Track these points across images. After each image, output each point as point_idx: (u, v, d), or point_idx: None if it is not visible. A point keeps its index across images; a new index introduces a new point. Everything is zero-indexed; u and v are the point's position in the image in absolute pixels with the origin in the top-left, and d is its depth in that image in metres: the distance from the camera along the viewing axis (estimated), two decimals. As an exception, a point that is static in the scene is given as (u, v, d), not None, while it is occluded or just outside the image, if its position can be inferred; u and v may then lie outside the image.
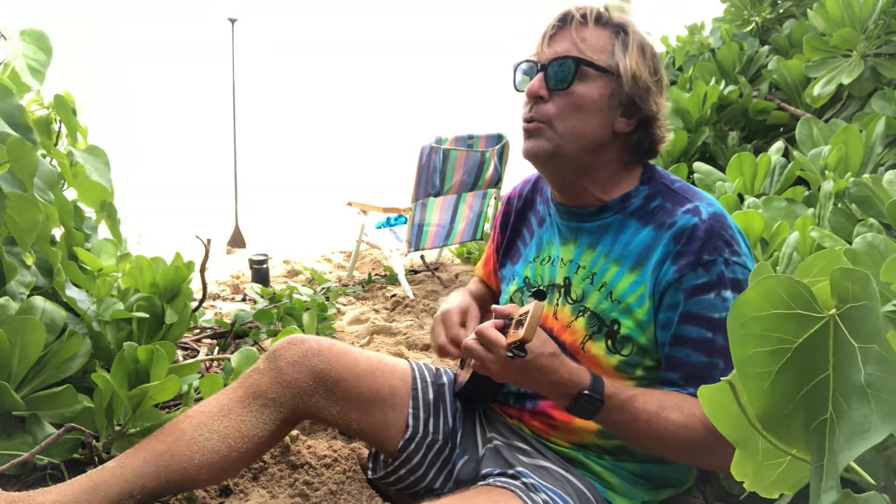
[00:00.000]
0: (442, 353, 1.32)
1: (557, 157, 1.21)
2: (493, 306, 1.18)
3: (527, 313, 1.03)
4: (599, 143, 1.21)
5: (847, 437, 0.60)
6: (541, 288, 1.30)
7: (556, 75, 1.19)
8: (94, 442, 1.44)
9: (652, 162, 1.30)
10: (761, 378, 0.66)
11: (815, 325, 0.64)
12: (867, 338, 0.60)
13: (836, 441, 0.60)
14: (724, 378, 0.69)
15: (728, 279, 1.11)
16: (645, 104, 1.20)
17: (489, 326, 1.10)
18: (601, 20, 1.22)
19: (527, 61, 1.25)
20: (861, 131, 2.01)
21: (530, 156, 1.23)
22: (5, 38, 1.67)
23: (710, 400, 0.77)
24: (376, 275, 4.00)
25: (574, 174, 1.24)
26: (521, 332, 1.02)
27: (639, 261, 1.19)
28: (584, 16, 1.20)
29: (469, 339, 1.13)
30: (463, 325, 1.35)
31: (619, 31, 1.21)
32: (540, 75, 1.21)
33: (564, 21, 1.22)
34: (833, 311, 0.63)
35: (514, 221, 1.47)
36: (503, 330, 1.10)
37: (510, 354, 1.03)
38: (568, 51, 1.19)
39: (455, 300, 1.42)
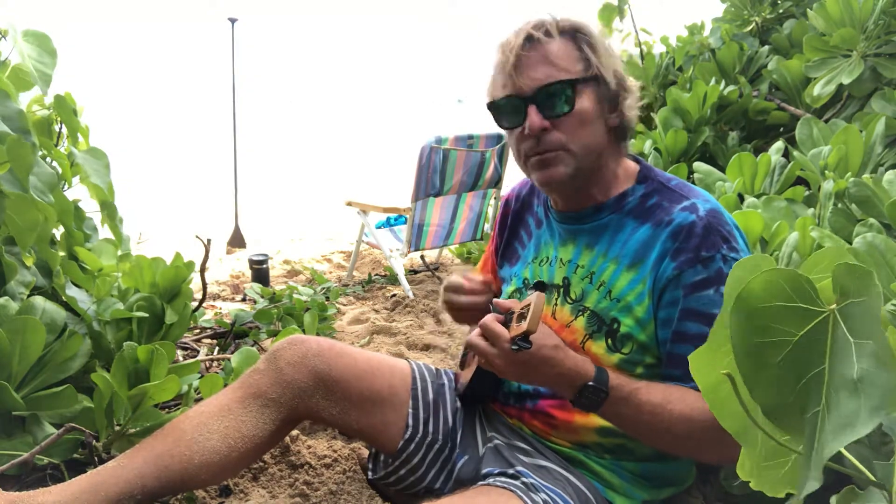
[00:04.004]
0: (449, 308, 1.42)
1: (578, 177, 1.21)
2: (494, 300, 1.19)
3: (528, 306, 1.03)
4: (604, 147, 1.23)
5: (834, 429, 0.61)
6: (541, 280, 1.31)
7: (553, 103, 1.15)
8: (94, 442, 1.44)
9: (650, 162, 1.30)
10: (764, 368, 0.67)
11: (815, 319, 0.65)
12: (865, 333, 0.61)
13: (825, 433, 0.61)
14: (723, 371, 0.70)
15: (726, 275, 1.10)
16: (620, 91, 1.21)
17: (493, 320, 1.09)
18: (563, 31, 1.19)
19: (507, 98, 1.19)
20: (861, 131, 2.01)
21: (552, 183, 1.22)
22: (4, 38, 1.67)
23: (709, 391, 0.77)
24: (376, 275, 4.00)
25: (584, 184, 1.24)
26: (525, 325, 1.01)
27: (637, 258, 1.19)
28: (546, 32, 1.17)
29: (472, 334, 1.13)
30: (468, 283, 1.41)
31: (579, 34, 1.19)
32: (533, 108, 1.16)
33: (531, 43, 1.16)
34: (833, 305, 0.64)
35: (512, 223, 1.47)
36: (504, 325, 1.09)
37: (515, 347, 1.03)
38: (551, 75, 1.15)
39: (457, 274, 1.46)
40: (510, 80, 1.18)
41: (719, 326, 0.73)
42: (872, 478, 0.71)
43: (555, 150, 1.18)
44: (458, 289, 1.41)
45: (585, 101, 1.17)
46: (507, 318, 1.11)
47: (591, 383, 1.08)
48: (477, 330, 1.12)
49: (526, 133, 1.18)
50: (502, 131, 1.31)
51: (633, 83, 1.24)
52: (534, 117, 1.16)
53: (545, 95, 1.15)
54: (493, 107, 1.23)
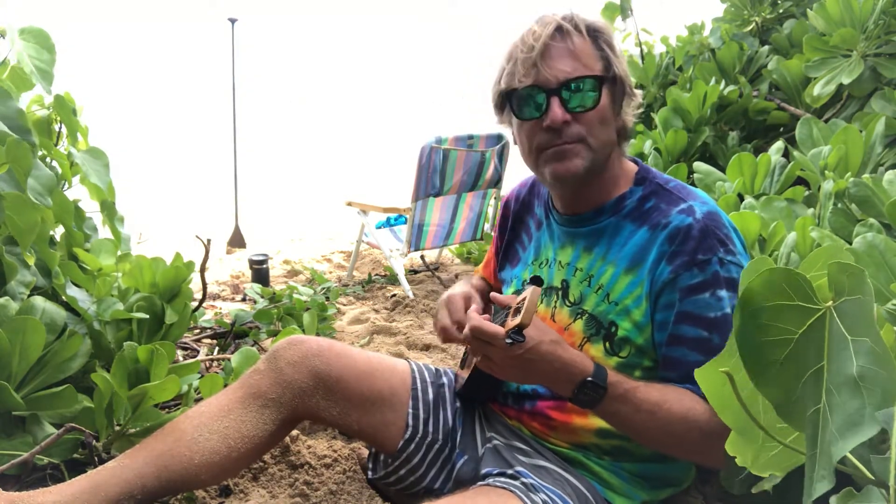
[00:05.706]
0: (445, 336, 1.29)
1: (592, 171, 1.19)
2: (493, 294, 1.17)
3: (524, 300, 1.02)
4: (614, 145, 1.24)
5: (839, 428, 0.61)
6: (538, 275, 1.30)
7: (577, 97, 1.15)
8: (94, 442, 1.44)
9: (650, 163, 1.30)
10: (769, 367, 0.68)
11: (812, 317, 0.66)
12: (860, 331, 0.62)
13: (829, 432, 0.61)
14: (723, 369, 0.70)
15: (723, 278, 1.11)
16: (628, 95, 1.23)
17: (484, 322, 1.07)
18: (587, 28, 1.19)
19: (529, 88, 1.16)
20: (861, 131, 2.01)
21: (567, 177, 1.19)
22: (3, 38, 1.67)
23: (711, 388, 0.77)
24: (376, 275, 4.00)
25: (594, 181, 1.23)
26: (519, 319, 1.00)
27: (635, 262, 1.19)
28: (575, 26, 1.16)
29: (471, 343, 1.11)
30: (467, 309, 1.29)
31: (599, 33, 1.20)
32: (556, 101, 1.14)
33: (560, 34, 1.15)
34: (830, 303, 0.65)
35: (513, 224, 1.47)
36: (501, 321, 1.08)
37: (509, 341, 1.01)
38: (577, 69, 1.14)
39: (459, 288, 1.41)
40: (534, 70, 1.15)
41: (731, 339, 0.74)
42: (871, 476, 0.71)
43: (573, 142, 1.16)
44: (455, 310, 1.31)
45: (605, 99, 1.18)
46: (504, 313, 1.10)
47: (589, 378, 1.07)
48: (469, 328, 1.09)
49: (546, 125, 1.15)
50: (504, 128, 1.30)
51: (635, 90, 1.26)
52: (556, 110, 1.14)
53: (570, 89, 1.14)
54: (511, 96, 1.19)
